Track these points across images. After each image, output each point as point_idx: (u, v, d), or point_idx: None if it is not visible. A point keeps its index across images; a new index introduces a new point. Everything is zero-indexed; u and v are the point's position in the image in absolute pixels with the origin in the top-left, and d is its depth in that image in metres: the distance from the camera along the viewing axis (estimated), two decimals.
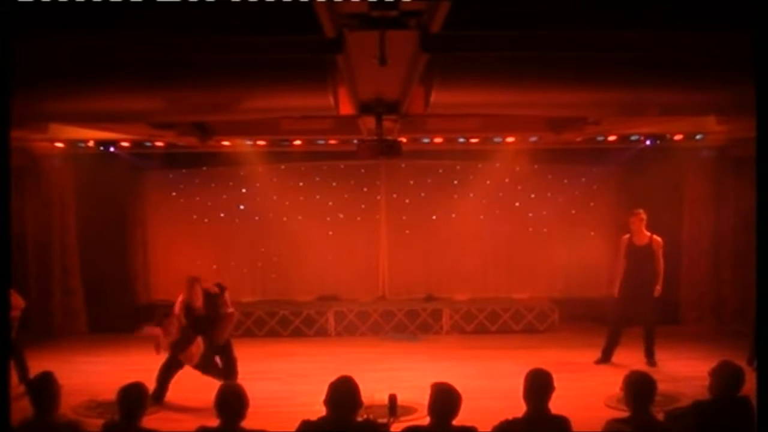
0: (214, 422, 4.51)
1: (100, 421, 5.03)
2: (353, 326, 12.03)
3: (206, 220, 12.84)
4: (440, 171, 12.95)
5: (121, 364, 9.89)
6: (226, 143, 11.17)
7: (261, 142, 11.23)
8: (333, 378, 4.59)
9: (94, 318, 12.28)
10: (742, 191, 10.88)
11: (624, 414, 4.68)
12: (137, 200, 12.79)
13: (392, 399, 5.04)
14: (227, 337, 8.61)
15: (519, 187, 12.90)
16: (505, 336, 11.80)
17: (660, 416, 4.92)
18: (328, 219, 12.98)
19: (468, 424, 4.52)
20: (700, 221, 12.37)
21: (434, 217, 12.97)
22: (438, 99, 5.70)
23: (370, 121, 8.06)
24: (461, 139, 11.15)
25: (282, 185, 12.74)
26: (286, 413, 6.30)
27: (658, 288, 9.74)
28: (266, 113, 7.29)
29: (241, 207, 13.01)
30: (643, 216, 9.75)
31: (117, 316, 12.13)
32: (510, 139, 11.06)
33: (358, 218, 13.04)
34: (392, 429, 4.90)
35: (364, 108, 7.44)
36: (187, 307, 8.40)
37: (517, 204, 13.00)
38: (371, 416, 4.89)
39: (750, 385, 4.54)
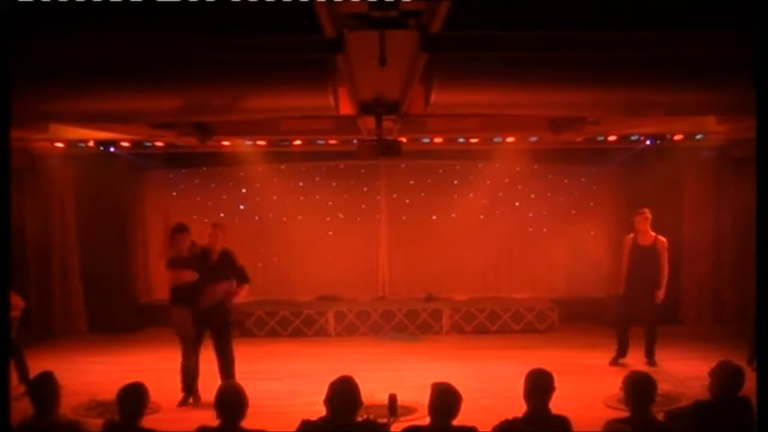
0: (214, 422, 4.51)
1: (100, 421, 5.02)
2: (353, 326, 12.02)
3: (206, 220, 12.80)
4: (440, 171, 12.96)
5: (121, 364, 9.91)
6: (226, 143, 11.17)
7: (261, 142, 11.24)
8: (333, 378, 4.58)
9: (94, 318, 12.28)
10: (742, 191, 10.87)
11: (624, 414, 4.68)
12: (137, 200, 12.79)
13: (392, 399, 5.03)
14: (211, 304, 8.34)
15: (519, 187, 12.91)
16: (505, 336, 11.79)
17: (660, 416, 4.92)
18: (328, 219, 12.99)
19: (468, 424, 4.52)
20: (700, 221, 12.36)
21: (434, 217, 12.99)
22: (438, 99, 5.69)
23: (370, 121, 8.06)
24: (461, 139, 11.15)
25: (282, 185, 12.75)
26: (286, 413, 6.30)
27: (661, 293, 9.61)
28: (266, 113, 7.29)
29: (241, 207, 13.02)
30: (649, 215, 9.67)
31: (117, 316, 12.16)
32: (510, 139, 11.06)
33: (358, 218, 13.05)
34: (392, 429, 4.90)
35: (364, 108, 7.44)
36: (203, 252, 8.39)
37: (517, 204, 13.01)
38: (371, 416, 4.90)
39: (750, 385, 4.54)
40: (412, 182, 13.05)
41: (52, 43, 4.75)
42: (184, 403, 8.23)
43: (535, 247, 12.89)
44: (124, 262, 12.48)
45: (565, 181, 13.03)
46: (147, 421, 4.75)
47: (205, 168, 12.63)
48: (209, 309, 8.28)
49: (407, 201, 13.08)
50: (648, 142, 11.41)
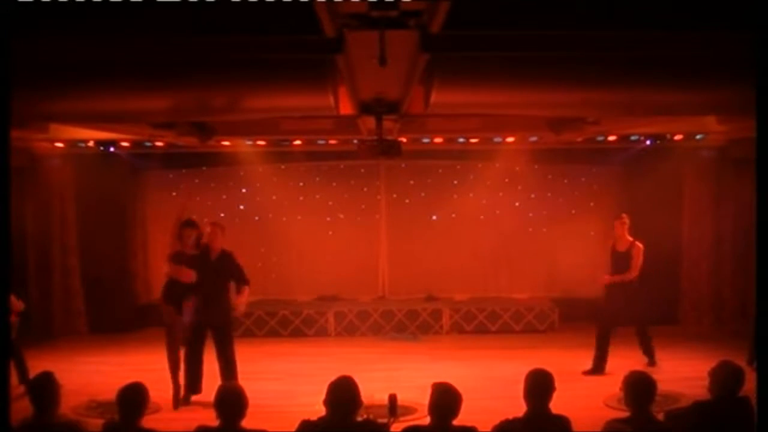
0: (214, 422, 4.51)
1: (100, 421, 5.02)
2: (353, 326, 12.02)
3: (206, 220, 12.80)
4: (440, 171, 12.96)
5: (121, 364, 9.90)
6: (226, 143, 11.17)
7: (261, 142, 11.24)
8: (333, 378, 4.58)
9: (94, 318, 12.28)
10: (742, 191, 10.87)
11: (624, 414, 4.67)
12: (137, 200, 12.79)
13: (392, 399, 5.02)
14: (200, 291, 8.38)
15: (519, 187, 12.91)
16: (505, 336, 11.80)
17: (660, 416, 4.92)
18: (328, 219, 12.99)
19: (468, 424, 4.51)
20: (700, 221, 12.35)
21: (434, 217, 12.99)
22: (438, 99, 5.70)
23: (370, 121, 8.07)
24: (461, 139, 11.16)
25: (282, 185, 12.75)
26: (286, 413, 6.30)
27: (615, 278, 9.44)
28: (266, 113, 7.29)
29: (241, 207, 13.02)
30: (626, 221, 9.64)
31: (117, 316, 12.16)
32: (510, 139, 11.06)
33: (358, 218, 13.05)
34: (392, 429, 4.89)
35: (364, 108, 7.44)
36: (203, 251, 8.42)
37: (517, 204, 13.01)
38: (371, 416, 4.90)
39: (750, 385, 4.54)
40: (412, 182, 13.06)
41: (52, 43, 4.76)
42: (186, 401, 8.22)
43: (535, 247, 12.88)
44: (124, 262, 12.49)
45: (565, 181, 13.03)
46: (147, 421, 4.74)
47: (205, 168, 12.62)
48: (209, 309, 8.27)
49: (407, 201, 13.08)
50: (648, 142, 11.42)
